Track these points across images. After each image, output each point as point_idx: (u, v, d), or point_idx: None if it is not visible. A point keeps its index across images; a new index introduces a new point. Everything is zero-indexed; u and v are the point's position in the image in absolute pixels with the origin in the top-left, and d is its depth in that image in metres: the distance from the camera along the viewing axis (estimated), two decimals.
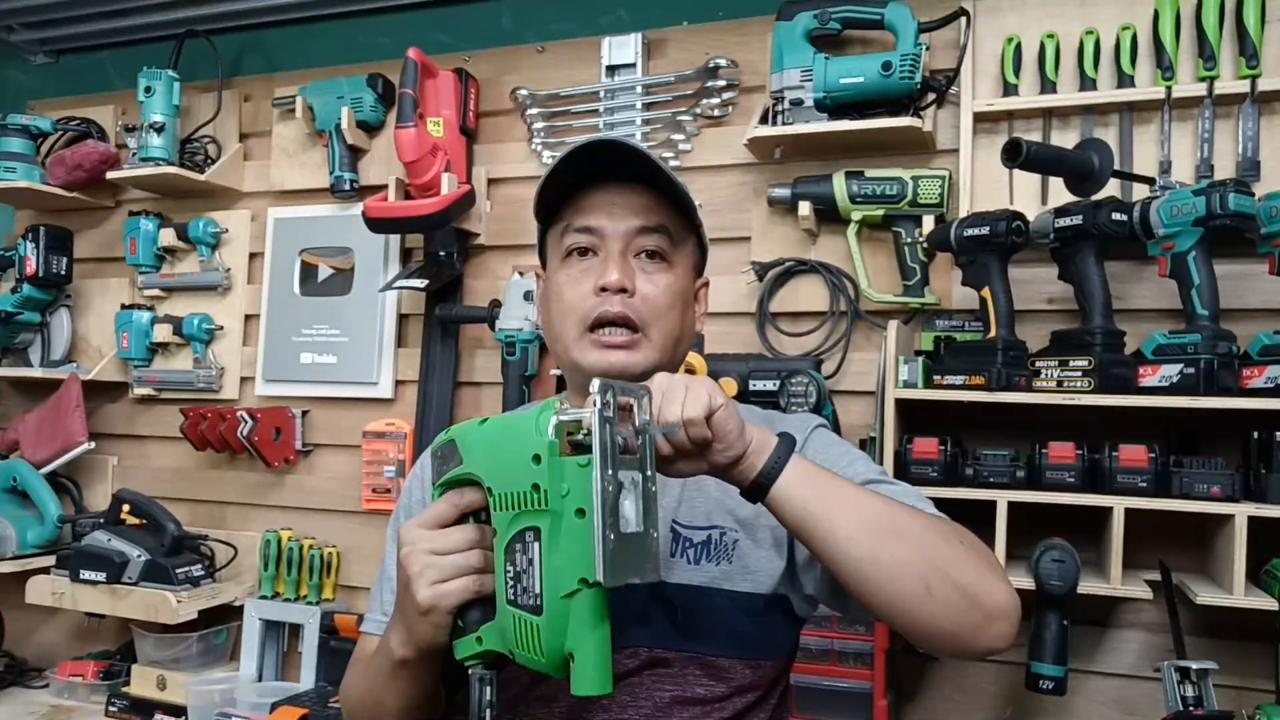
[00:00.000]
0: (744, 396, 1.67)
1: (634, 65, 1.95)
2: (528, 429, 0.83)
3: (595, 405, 0.78)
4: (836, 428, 1.68)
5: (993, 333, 1.52)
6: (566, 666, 0.82)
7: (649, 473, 0.81)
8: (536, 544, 0.83)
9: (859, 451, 1.13)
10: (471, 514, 0.90)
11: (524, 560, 0.84)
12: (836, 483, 0.90)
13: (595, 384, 0.78)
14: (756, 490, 0.88)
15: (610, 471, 0.77)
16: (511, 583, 0.85)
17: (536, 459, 0.81)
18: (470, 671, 0.88)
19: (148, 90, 2.18)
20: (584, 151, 1.05)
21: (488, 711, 0.87)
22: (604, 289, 1.05)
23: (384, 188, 2.02)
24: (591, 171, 1.08)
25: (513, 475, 0.83)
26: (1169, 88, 1.58)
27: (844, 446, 1.13)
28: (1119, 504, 1.43)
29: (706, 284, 1.21)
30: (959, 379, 1.51)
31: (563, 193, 1.11)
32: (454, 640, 0.90)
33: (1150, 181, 1.57)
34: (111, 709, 2.07)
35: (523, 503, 0.83)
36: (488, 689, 0.88)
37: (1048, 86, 1.66)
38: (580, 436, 0.81)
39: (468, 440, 0.88)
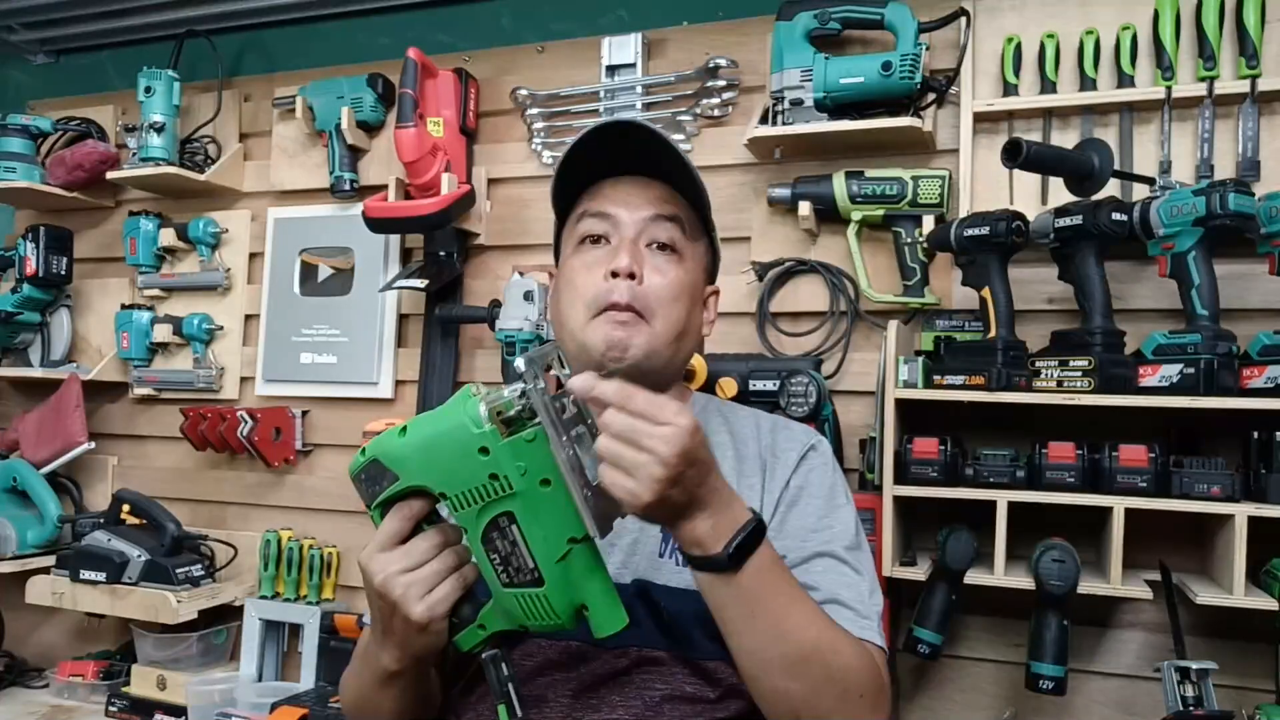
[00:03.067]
0: (744, 396, 1.67)
1: (634, 65, 1.94)
2: (461, 427, 0.83)
3: (530, 383, 0.80)
4: (836, 428, 1.68)
5: (993, 333, 1.52)
6: (580, 617, 0.87)
7: (590, 420, 0.84)
8: (514, 526, 0.85)
9: (844, 495, 1.12)
10: (423, 519, 0.90)
11: (506, 545, 0.86)
12: (770, 600, 0.89)
13: (519, 362, 0.80)
14: (699, 562, 0.87)
15: (564, 437, 0.80)
16: (500, 568, 0.87)
17: (484, 451, 0.83)
18: (483, 657, 0.90)
19: (148, 90, 2.18)
20: (605, 135, 1.08)
21: (509, 685, 0.88)
22: (614, 274, 1.07)
23: (384, 188, 2.01)
24: (610, 166, 1.11)
25: (463, 474, 0.84)
26: (1169, 88, 1.58)
27: (831, 483, 1.12)
28: (1119, 504, 1.43)
29: (717, 292, 1.22)
30: (959, 379, 1.51)
31: (580, 186, 1.14)
32: (453, 638, 0.92)
33: (1150, 181, 1.57)
34: (111, 709, 2.07)
35: (484, 495, 0.84)
36: (503, 665, 0.89)
37: (1048, 86, 1.66)
38: (512, 413, 0.82)
39: (395, 455, 0.88)
